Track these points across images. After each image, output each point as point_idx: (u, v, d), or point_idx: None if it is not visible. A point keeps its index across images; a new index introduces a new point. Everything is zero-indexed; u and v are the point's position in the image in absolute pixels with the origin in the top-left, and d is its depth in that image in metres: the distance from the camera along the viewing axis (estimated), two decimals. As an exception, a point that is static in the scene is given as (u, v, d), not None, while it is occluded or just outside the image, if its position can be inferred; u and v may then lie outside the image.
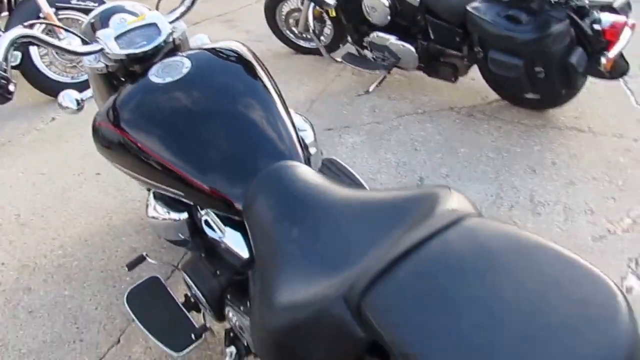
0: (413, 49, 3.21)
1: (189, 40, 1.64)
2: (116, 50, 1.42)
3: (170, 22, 1.54)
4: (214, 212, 1.34)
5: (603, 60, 2.59)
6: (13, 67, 2.11)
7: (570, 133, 2.92)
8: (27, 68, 3.37)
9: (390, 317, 0.78)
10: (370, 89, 3.47)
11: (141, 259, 1.77)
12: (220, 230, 1.31)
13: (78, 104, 1.48)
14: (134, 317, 1.60)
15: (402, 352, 0.74)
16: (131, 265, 1.75)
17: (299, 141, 1.37)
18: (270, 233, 1.09)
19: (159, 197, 1.50)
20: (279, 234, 1.08)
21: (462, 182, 2.58)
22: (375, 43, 3.37)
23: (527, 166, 2.69)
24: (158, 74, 1.38)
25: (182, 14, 1.58)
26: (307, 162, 1.40)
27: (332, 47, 3.77)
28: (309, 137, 1.53)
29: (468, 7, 2.82)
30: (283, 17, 3.94)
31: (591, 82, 2.94)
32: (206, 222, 1.36)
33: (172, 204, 1.46)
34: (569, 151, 2.78)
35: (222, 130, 1.29)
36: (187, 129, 1.29)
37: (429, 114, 3.20)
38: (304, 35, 3.96)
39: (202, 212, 1.38)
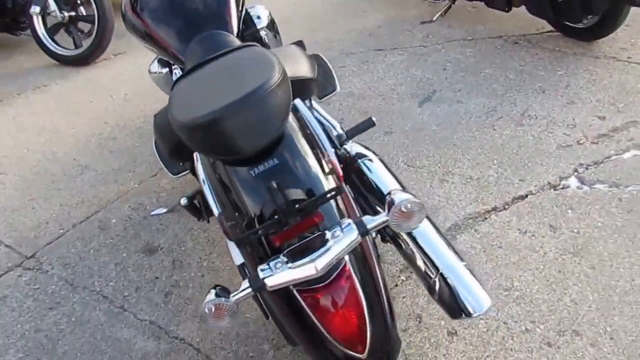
0: (474, -21, 3.44)
1: None
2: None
3: None
4: (179, 67, 1.99)
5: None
6: None
7: (604, 62, 2.97)
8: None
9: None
10: (434, 18, 3.76)
11: None
12: None
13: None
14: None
15: None
16: None
17: (238, 19, 1.91)
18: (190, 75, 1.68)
19: (157, 59, 2.19)
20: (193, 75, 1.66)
21: (468, 97, 2.87)
22: (443, -28, 3.65)
23: (540, 87, 2.86)
24: None
25: None
26: (259, 40, 1.97)
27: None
28: (262, 23, 2.08)
29: None
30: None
31: None
32: (175, 74, 2.02)
33: (162, 63, 2.14)
34: (590, 76, 2.86)
35: (186, 11, 1.88)
36: (167, 15, 1.90)
37: (476, 40, 3.43)
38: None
39: (174, 67, 2.03)
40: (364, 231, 1.03)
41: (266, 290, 1.01)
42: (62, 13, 3.82)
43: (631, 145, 2.35)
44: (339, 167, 1.20)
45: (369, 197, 1.59)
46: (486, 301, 1.20)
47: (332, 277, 1.05)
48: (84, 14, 3.90)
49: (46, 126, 3.23)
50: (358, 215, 1.21)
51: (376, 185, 1.63)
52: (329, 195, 1.04)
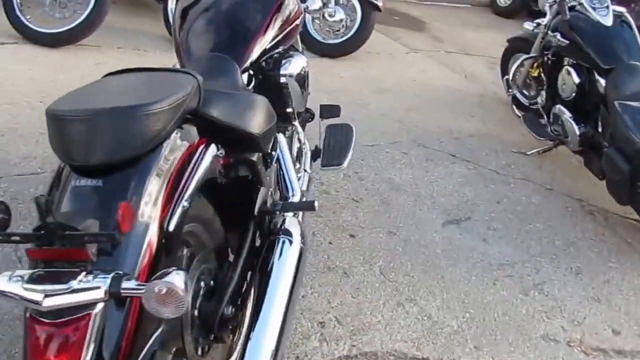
0: (578, 132, 3.18)
1: None
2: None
3: None
4: None
5: None
6: None
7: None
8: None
9: None
10: (529, 152, 3.52)
11: None
12: None
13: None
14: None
15: None
16: None
17: (261, 54, 1.91)
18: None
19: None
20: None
21: (497, 240, 2.63)
22: (555, 114, 3.41)
23: (577, 268, 2.54)
24: None
25: None
26: (279, 84, 2.00)
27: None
28: (288, 69, 2.06)
29: (615, 102, 2.73)
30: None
31: None
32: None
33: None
34: (638, 285, 2.48)
35: (213, 28, 1.94)
36: (199, 23, 1.96)
37: (552, 192, 3.14)
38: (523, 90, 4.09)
39: None
40: (114, 291, 0.97)
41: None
42: None
43: (625, 378, 1.99)
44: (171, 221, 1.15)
45: None
46: None
47: (64, 319, 1.00)
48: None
49: None
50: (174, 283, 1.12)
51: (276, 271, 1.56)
52: (98, 238, 0.99)
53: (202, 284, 1.46)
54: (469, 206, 2.86)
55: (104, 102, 1.14)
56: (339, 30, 4.62)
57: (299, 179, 2.13)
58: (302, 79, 2.14)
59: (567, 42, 3.25)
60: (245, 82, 1.92)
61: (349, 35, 4.57)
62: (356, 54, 4.64)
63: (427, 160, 3.22)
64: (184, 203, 1.20)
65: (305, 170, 2.21)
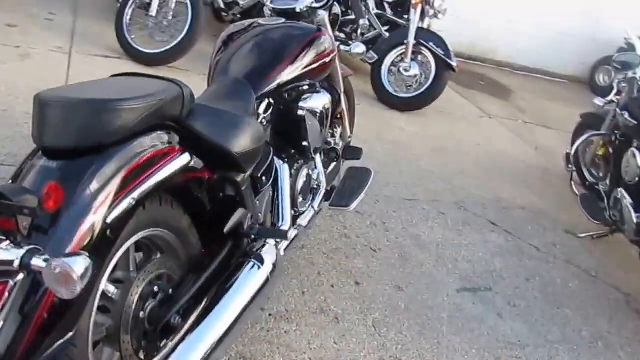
0: (636, 220, 2.92)
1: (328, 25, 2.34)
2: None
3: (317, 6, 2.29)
4: None
5: None
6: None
7: None
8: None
9: None
10: (581, 235, 3.28)
11: None
12: None
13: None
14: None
15: None
16: None
17: (278, 86, 1.97)
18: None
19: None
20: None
21: (514, 319, 2.44)
22: (616, 198, 3.16)
23: None
24: (260, 21, 2.20)
25: (323, 6, 2.31)
26: (296, 116, 2.06)
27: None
28: (310, 104, 2.11)
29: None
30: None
31: None
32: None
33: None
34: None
35: (246, 56, 2.04)
36: (237, 49, 2.08)
37: (596, 280, 2.89)
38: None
39: None
40: (25, 264, 1.00)
41: None
42: None
43: None
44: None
45: None
46: None
47: None
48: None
49: None
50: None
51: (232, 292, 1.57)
52: (19, 210, 1.05)
53: (156, 288, 1.50)
54: (493, 277, 2.69)
55: (85, 95, 1.24)
56: (411, 85, 4.64)
57: (301, 213, 2.15)
58: (322, 116, 2.17)
59: (635, 122, 3.04)
60: (263, 109, 1.99)
61: (420, 91, 4.57)
62: (425, 110, 4.62)
63: (464, 223, 3.10)
64: (132, 199, 1.24)
65: (312, 207, 2.21)
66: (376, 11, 4.93)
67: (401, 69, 4.62)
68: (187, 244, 1.61)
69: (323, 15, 2.31)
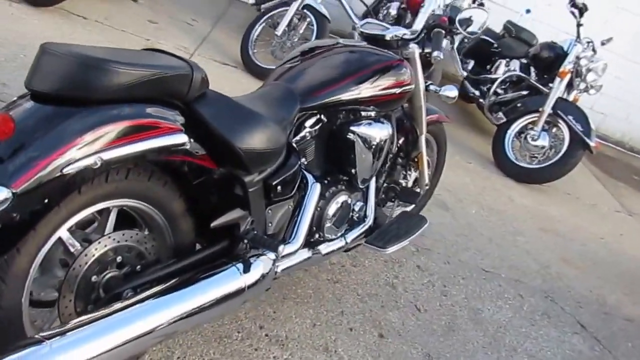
0: None
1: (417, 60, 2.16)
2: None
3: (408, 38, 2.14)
4: None
5: None
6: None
7: None
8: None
9: None
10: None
11: None
12: None
13: None
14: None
15: None
16: None
17: (322, 108, 1.83)
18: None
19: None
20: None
21: None
22: None
23: None
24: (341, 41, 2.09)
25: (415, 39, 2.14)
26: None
27: None
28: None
29: None
30: None
31: None
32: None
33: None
34: None
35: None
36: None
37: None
38: None
39: None
40: None
41: None
42: None
43: None
44: None
45: None
46: None
47: None
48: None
49: None
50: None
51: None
52: None
53: (119, 258, 1.41)
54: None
55: (88, 52, 1.23)
56: (536, 157, 4.19)
57: (327, 240, 1.95)
58: (376, 148, 1.97)
59: None
60: (311, 123, 1.85)
61: (544, 164, 4.10)
62: (546, 187, 4.13)
63: (543, 314, 2.61)
64: (99, 158, 1.20)
65: (344, 238, 1.99)
66: (518, 73, 4.58)
67: (528, 137, 4.20)
68: (177, 229, 1.54)
69: (413, 48, 2.14)
